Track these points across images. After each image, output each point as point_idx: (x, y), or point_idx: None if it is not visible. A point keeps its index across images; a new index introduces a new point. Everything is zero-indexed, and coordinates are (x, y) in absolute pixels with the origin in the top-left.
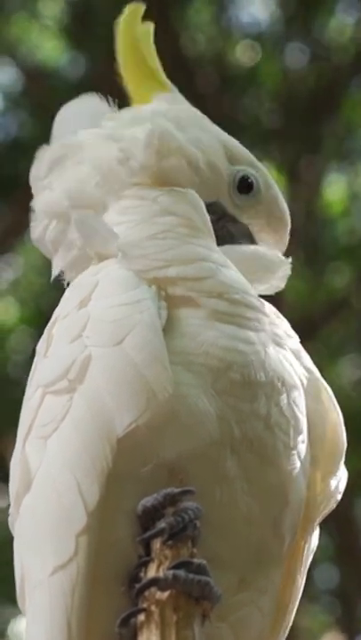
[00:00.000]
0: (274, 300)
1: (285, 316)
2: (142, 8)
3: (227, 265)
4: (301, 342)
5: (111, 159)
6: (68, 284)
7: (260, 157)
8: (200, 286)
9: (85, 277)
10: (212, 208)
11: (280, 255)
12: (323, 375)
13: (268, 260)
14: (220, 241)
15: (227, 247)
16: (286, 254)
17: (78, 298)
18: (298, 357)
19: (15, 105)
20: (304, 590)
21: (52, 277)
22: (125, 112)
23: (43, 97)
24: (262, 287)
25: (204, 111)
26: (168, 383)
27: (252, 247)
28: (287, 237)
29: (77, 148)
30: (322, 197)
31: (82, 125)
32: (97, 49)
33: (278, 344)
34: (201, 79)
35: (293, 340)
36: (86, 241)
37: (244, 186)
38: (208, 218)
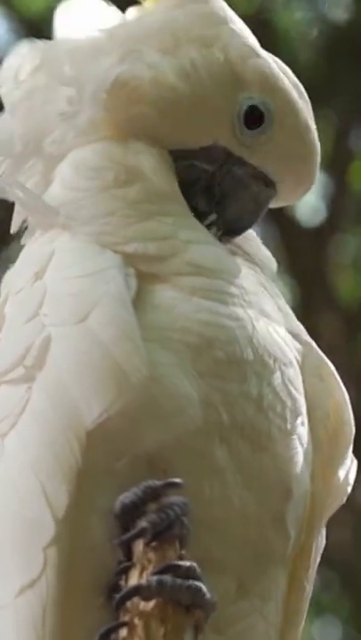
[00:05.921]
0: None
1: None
2: None
3: (198, 241)
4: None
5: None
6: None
7: None
8: (166, 264)
9: (39, 246)
10: (209, 154)
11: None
12: None
13: None
14: (228, 189)
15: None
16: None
17: (32, 269)
18: (293, 332)
19: None
20: None
21: (12, 230)
22: (120, 25)
23: None
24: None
25: None
26: (141, 363)
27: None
28: (315, 172)
29: (57, 63)
30: None
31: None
32: None
33: (268, 317)
34: None
35: (286, 313)
36: (29, 213)
37: (253, 118)
38: (175, 179)
